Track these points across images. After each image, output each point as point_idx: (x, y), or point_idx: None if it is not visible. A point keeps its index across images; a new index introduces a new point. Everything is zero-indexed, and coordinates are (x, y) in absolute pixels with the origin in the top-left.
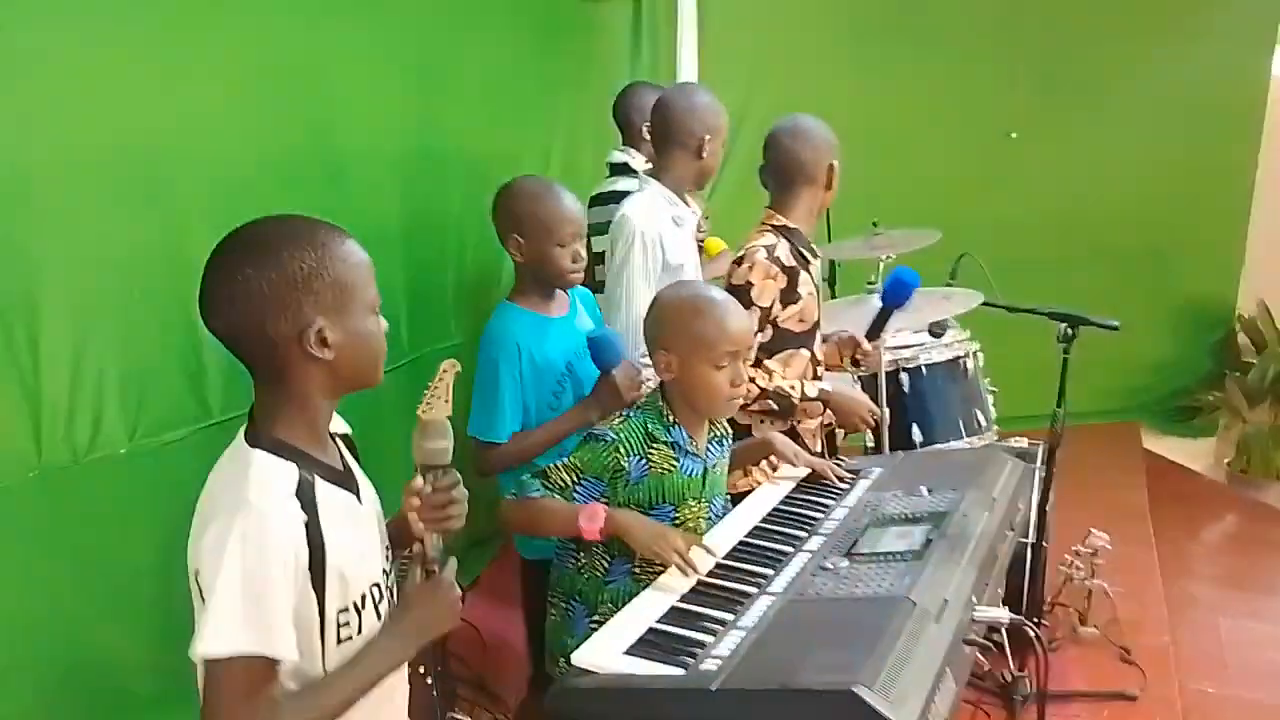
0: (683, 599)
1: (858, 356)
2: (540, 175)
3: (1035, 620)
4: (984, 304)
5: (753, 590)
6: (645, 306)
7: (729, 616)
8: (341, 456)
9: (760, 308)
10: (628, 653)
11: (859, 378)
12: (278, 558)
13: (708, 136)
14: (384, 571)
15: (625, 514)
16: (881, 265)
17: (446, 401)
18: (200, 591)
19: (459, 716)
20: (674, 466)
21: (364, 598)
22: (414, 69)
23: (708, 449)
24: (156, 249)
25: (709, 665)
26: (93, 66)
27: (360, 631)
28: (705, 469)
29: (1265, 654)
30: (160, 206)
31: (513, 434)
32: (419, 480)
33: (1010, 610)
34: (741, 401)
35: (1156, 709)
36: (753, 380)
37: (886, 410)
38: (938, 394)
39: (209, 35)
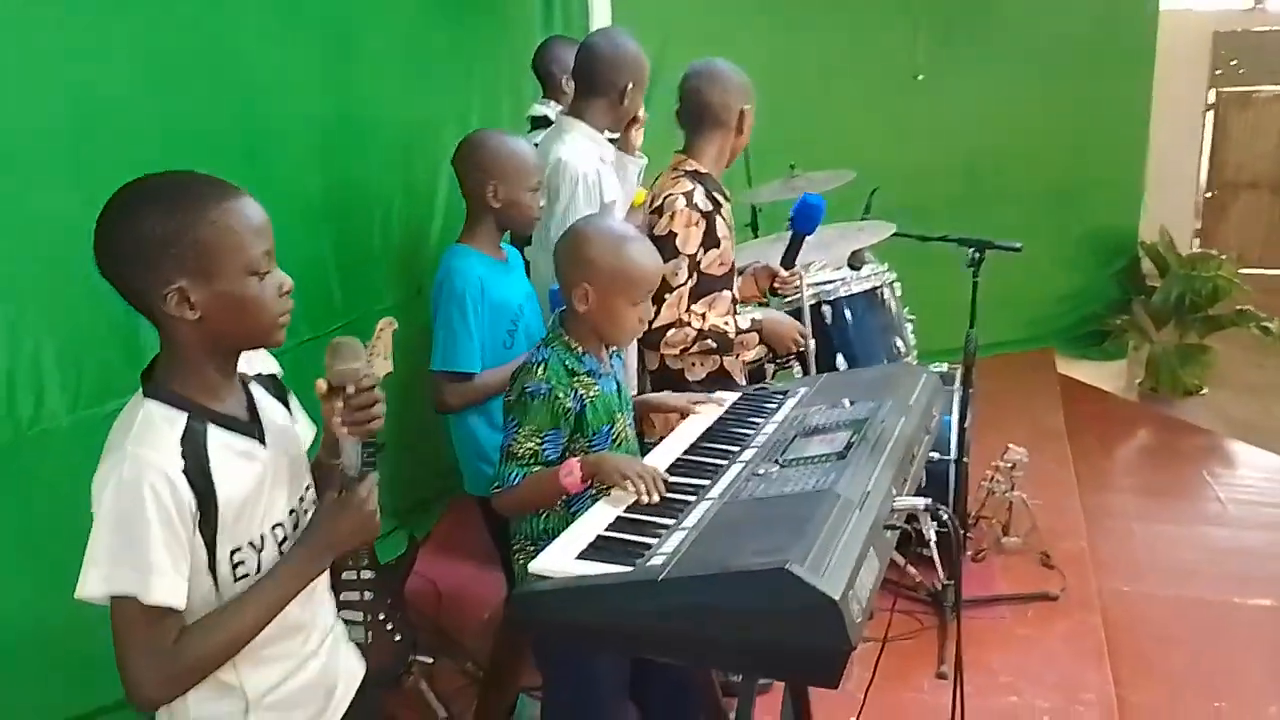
0: (628, 509)
1: (775, 285)
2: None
3: (961, 532)
4: (896, 234)
5: (692, 498)
6: None
7: (671, 521)
8: (250, 401)
9: (687, 255)
10: (580, 557)
11: (786, 313)
12: (153, 502)
13: (631, 84)
14: (291, 511)
15: (593, 456)
16: None
17: (386, 358)
18: None
19: (421, 658)
20: (598, 391)
21: (262, 538)
22: (327, 37)
23: (611, 365)
24: (81, 219)
25: (655, 560)
26: (4, 44)
27: (259, 569)
28: (617, 383)
29: (1175, 553)
30: (81, 177)
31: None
32: (323, 385)
33: (937, 524)
34: (681, 346)
35: (1076, 607)
36: (687, 324)
37: (812, 341)
38: (859, 324)
39: (125, 8)
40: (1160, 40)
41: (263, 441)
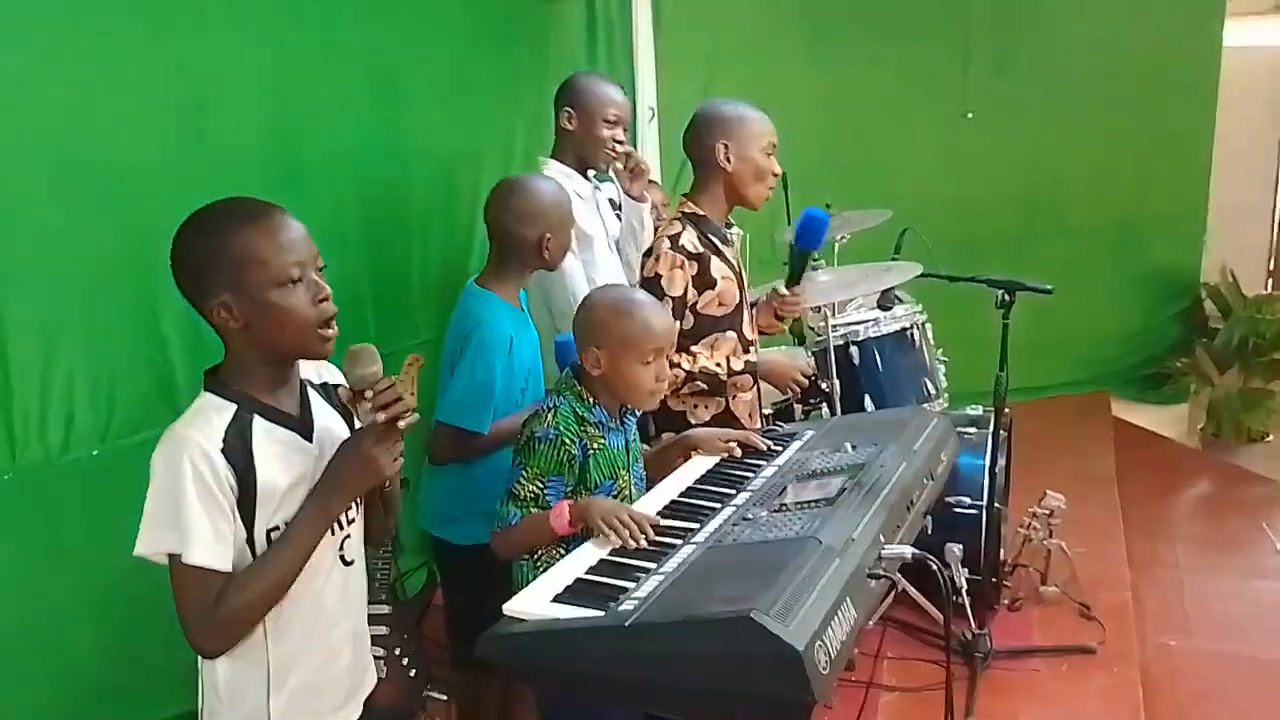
0: (612, 552)
1: (779, 305)
2: (525, 174)
3: (995, 580)
4: (923, 275)
5: (677, 542)
6: (573, 275)
7: (652, 565)
8: (305, 403)
9: (673, 297)
10: (555, 600)
11: (812, 353)
12: (192, 473)
13: (569, 110)
14: None
15: (583, 501)
16: (836, 246)
17: (411, 394)
18: None
19: (435, 695)
20: (604, 444)
21: (299, 521)
22: (372, 69)
23: (623, 421)
24: (117, 252)
25: (627, 606)
26: (46, 76)
27: None
28: (626, 440)
29: (1226, 608)
30: (118, 211)
31: None
32: (345, 394)
33: (969, 571)
34: (668, 389)
35: (1115, 661)
36: (677, 365)
37: (837, 382)
38: (888, 365)
39: (164, 41)
40: (1228, 77)
41: (309, 438)
